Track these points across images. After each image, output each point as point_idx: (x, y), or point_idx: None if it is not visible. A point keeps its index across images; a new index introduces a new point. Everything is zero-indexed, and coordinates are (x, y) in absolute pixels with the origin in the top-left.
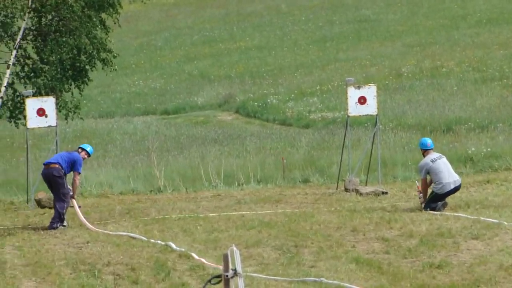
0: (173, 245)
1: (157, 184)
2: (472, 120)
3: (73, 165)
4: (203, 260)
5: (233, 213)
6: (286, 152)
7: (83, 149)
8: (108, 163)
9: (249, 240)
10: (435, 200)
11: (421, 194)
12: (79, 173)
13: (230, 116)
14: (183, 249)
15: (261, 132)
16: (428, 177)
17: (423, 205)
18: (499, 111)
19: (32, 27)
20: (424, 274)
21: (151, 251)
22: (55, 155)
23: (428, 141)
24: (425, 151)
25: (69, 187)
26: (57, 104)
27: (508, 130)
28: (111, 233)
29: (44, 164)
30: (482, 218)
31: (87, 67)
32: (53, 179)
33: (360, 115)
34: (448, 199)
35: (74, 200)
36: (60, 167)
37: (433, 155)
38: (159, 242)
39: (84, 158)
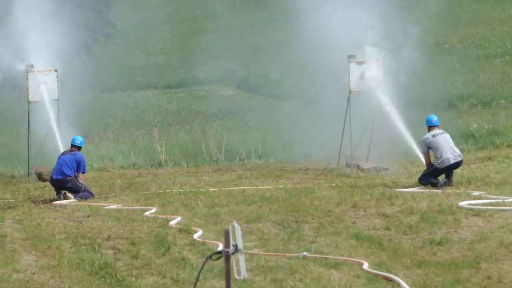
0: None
1: (158, 159)
2: (474, 96)
3: (78, 167)
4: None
5: (234, 188)
6: (287, 127)
7: (78, 147)
8: (109, 137)
9: (250, 215)
10: (434, 174)
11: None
12: (84, 172)
13: (232, 91)
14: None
15: (263, 107)
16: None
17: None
18: (501, 88)
19: None
20: (424, 251)
21: (152, 226)
22: (60, 163)
23: (434, 118)
24: (430, 127)
25: (80, 183)
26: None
27: (511, 106)
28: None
29: (54, 179)
30: (484, 194)
31: (90, 41)
32: (68, 189)
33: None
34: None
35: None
36: (72, 177)
37: (435, 131)
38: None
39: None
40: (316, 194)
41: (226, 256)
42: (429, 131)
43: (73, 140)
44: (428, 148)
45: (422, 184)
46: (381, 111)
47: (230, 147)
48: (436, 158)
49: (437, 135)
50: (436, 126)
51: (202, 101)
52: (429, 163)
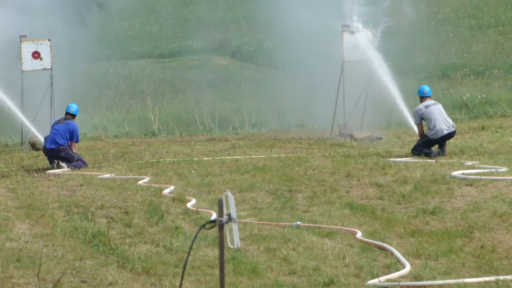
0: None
1: (152, 128)
2: (467, 66)
3: (71, 136)
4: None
5: (227, 157)
6: (281, 96)
7: (73, 114)
8: (103, 106)
9: (243, 185)
10: (428, 145)
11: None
12: (78, 142)
13: (225, 60)
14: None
15: (256, 76)
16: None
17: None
18: (494, 58)
19: None
20: (417, 220)
21: (145, 195)
22: (54, 132)
23: (426, 88)
24: (422, 98)
25: (74, 152)
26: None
27: (504, 76)
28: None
29: (47, 148)
30: (477, 164)
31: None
32: (61, 158)
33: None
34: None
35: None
36: (65, 147)
37: (428, 101)
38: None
39: None
40: (309, 164)
41: (219, 225)
42: (421, 102)
43: (67, 108)
44: (421, 118)
45: (416, 154)
46: (374, 81)
47: (223, 116)
48: (429, 128)
49: (430, 105)
50: (428, 96)
51: (196, 71)
52: (422, 134)
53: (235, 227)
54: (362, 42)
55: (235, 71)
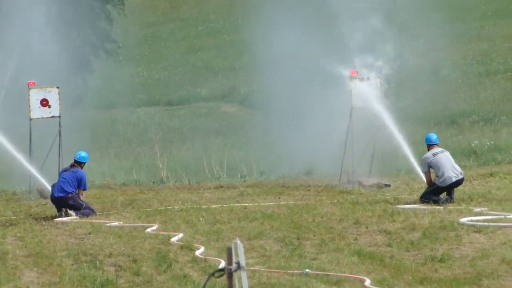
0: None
1: (160, 175)
2: (475, 113)
3: (79, 184)
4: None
5: (236, 204)
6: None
7: (80, 162)
8: (111, 153)
9: (251, 232)
10: (436, 193)
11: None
12: (85, 189)
13: (234, 107)
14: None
15: (264, 124)
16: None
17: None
18: (503, 104)
19: None
20: (426, 267)
21: (153, 243)
22: (61, 181)
23: (433, 136)
24: (429, 146)
25: (82, 200)
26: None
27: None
28: None
29: (55, 196)
30: (485, 211)
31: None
32: (69, 206)
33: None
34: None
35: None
36: (73, 195)
37: (436, 149)
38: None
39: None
40: (317, 211)
41: (228, 273)
42: (428, 150)
43: (78, 156)
44: (429, 167)
45: (424, 202)
46: (382, 128)
47: (231, 163)
48: (438, 176)
49: (437, 153)
50: (435, 144)
51: (204, 118)
52: (430, 182)
53: (244, 275)
54: (370, 89)
55: (243, 118)
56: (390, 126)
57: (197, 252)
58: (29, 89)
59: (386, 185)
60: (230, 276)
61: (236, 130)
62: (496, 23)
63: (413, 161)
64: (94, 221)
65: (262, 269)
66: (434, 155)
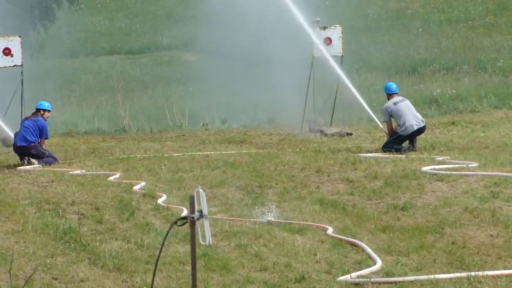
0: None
1: (122, 124)
2: (437, 61)
3: (41, 133)
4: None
5: (198, 153)
6: (251, 92)
7: (44, 110)
8: (73, 102)
9: (214, 181)
10: (398, 141)
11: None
12: (47, 138)
13: (195, 56)
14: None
15: (226, 72)
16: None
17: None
18: (464, 53)
19: None
20: (388, 216)
21: (116, 191)
22: (23, 130)
23: (393, 85)
24: (389, 95)
25: (44, 148)
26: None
27: (474, 71)
28: None
29: (17, 145)
30: (448, 159)
31: (54, 6)
32: (32, 155)
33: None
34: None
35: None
36: (35, 144)
37: (396, 98)
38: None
39: (47, 118)
40: (280, 159)
41: (191, 221)
42: (388, 99)
43: (39, 104)
44: (390, 116)
45: (386, 151)
46: (343, 78)
47: (193, 112)
48: (399, 125)
49: (398, 102)
50: (395, 93)
51: (165, 66)
52: (391, 131)
53: (206, 223)
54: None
55: (204, 67)
56: (352, 75)
57: (159, 200)
58: None
59: (348, 134)
60: (192, 224)
61: (198, 79)
62: None
63: (369, 110)
64: (56, 169)
65: (225, 218)
66: (395, 104)
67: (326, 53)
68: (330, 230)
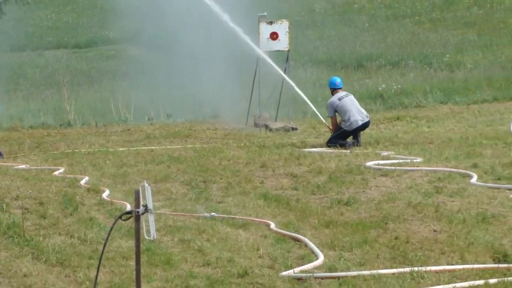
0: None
1: (67, 118)
2: (383, 56)
3: None
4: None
5: (143, 147)
6: (196, 87)
7: None
8: (19, 96)
9: (158, 175)
10: (343, 137)
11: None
12: None
13: (140, 50)
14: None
15: (172, 67)
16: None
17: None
18: (410, 48)
19: None
20: (332, 211)
21: (60, 185)
22: None
23: (337, 80)
24: (334, 89)
25: None
26: None
27: (419, 67)
28: None
29: None
30: (392, 154)
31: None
32: None
33: (271, 51)
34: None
35: None
36: None
37: (340, 93)
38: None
39: None
40: (224, 154)
41: (136, 216)
42: (332, 94)
43: None
44: (335, 111)
45: (331, 146)
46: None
47: (139, 106)
48: (344, 121)
49: (343, 97)
50: (340, 88)
51: (112, 60)
52: (336, 126)
53: (151, 218)
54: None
55: (150, 61)
56: (298, 70)
57: (104, 195)
58: None
59: (293, 129)
60: (137, 219)
61: (143, 73)
62: None
63: (312, 106)
64: (1, 163)
65: (169, 212)
66: (339, 99)
67: (261, 52)
68: (272, 225)
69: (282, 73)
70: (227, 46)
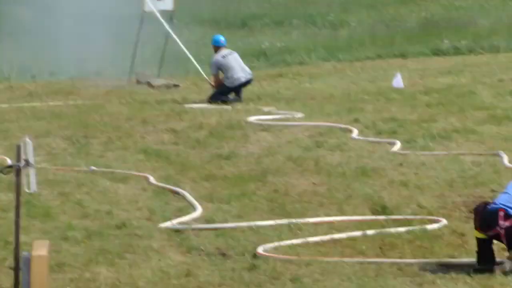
0: None
1: None
2: (267, 16)
3: None
4: None
5: (25, 104)
6: (79, 44)
7: None
8: None
9: (39, 131)
10: (225, 93)
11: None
12: None
13: (25, 10)
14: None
15: (55, 25)
16: (221, 74)
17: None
18: (295, 8)
19: None
20: (211, 165)
21: None
22: None
23: (221, 38)
24: (217, 47)
25: None
26: None
27: (303, 25)
28: None
29: None
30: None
31: None
32: None
33: (156, 11)
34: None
35: None
36: None
37: (224, 51)
38: None
39: None
40: (105, 110)
41: (16, 170)
42: (216, 52)
43: None
44: (218, 69)
45: (213, 102)
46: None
47: (21, 64)
48: (227, 77)
49: (226, 55)
50: (223, 46)
51: None
52: (219, 83)
53: (32, 172)
54: None
55: (31, 19)
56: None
57: None
58: None
59: (175, 85)
60: (18, 173)
61: (26, 31)
62: None
63: (197, 65)
64: None
65: (49, 167)
66: (223, 57)
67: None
68: (151, 179)
69: (168, 28)
70: (111, 3)
